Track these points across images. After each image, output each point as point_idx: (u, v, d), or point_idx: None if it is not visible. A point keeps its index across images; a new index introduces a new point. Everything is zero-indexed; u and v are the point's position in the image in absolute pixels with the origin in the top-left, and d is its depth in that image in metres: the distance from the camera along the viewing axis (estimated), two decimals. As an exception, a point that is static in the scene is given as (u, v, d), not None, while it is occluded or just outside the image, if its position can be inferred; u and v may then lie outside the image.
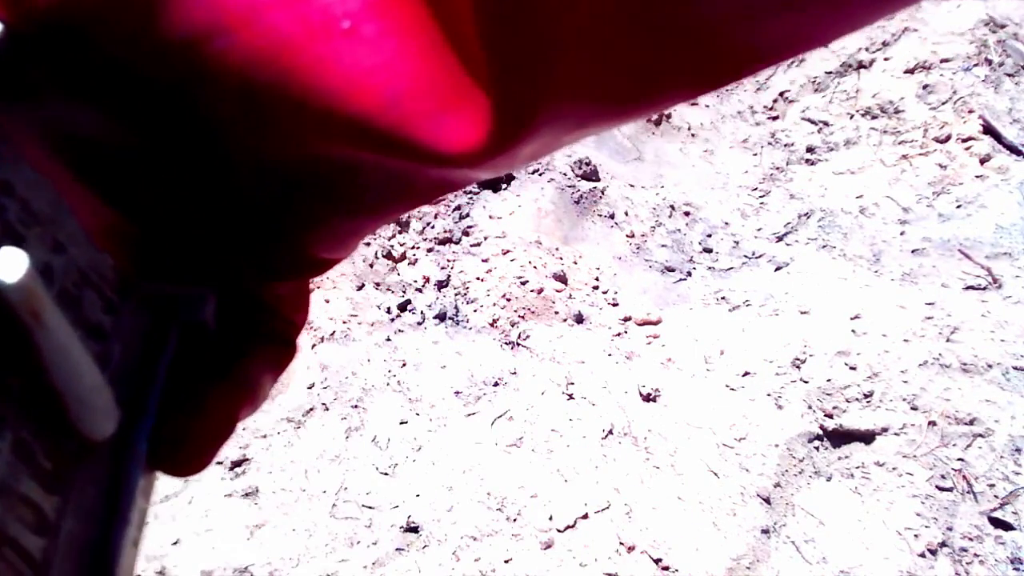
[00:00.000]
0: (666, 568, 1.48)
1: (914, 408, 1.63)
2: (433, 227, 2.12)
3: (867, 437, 1.62)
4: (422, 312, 1.97)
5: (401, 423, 1.73)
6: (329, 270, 0.26)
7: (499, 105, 0.18)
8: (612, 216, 2.14)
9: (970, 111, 2.04)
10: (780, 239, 2.06)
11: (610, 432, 1.69)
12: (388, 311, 1.98)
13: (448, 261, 2.07)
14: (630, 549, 1.50)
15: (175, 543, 1.54)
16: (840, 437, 1.64)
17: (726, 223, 2.14)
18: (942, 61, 2.13)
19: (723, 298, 1.95)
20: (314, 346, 1.97)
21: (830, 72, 2.27)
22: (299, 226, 0.23)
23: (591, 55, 0.18)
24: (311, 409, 1.78)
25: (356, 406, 1.77)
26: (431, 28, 0.18)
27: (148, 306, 0.23)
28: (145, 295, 0.23)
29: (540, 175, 2.19)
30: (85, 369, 0.19)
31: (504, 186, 2.18)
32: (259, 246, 0.23)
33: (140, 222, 0.23)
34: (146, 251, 0.24)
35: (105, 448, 0.21)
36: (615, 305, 1.98)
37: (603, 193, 2.17)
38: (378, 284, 2.04)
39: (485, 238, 2.09)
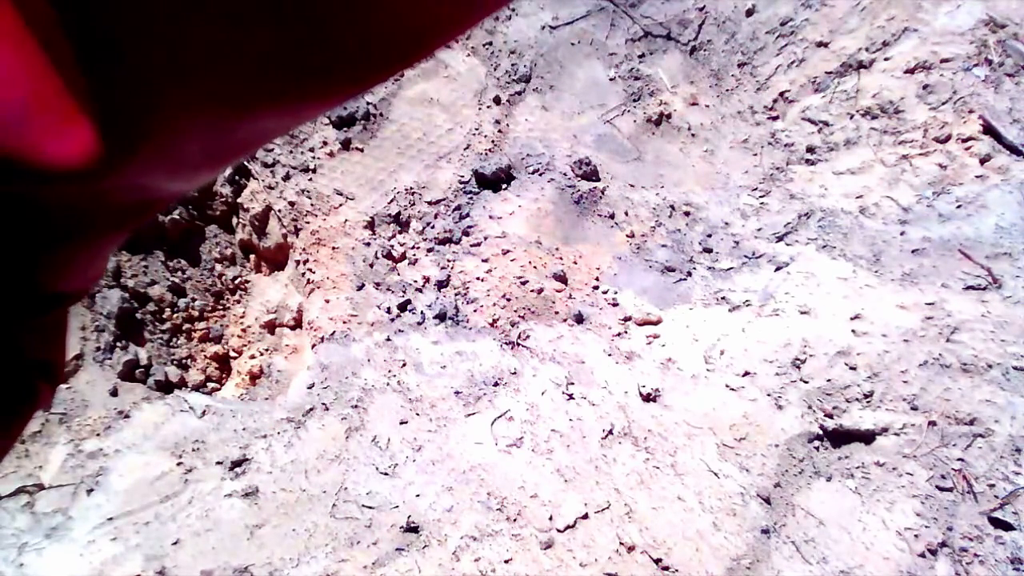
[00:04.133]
0: (666, 568, 1.47)
1: (914, 408, 1.63)
2: (433, 227, 2.12)
3: (867, 437, 1.62)
4: (422, 312, 1.97)
5: (401, 423, 1.73)
6: (73, 303, 0.25)
7: (108, 117, 0.18)
8: (612, 216, 2.14)
9: (970, 111, 2.04)
10: (780, 239, 2.06)
11: (610, 432, 1.69)
12: (388, 311, 1.97)
13: (448, 261, 2.07)
14: (630, 549, 1.50)
15: (175, 543, 1.54)
16: (840, 437, 1.64)
17: (726, 223, 2.14)
18: (942, 61, 2.13)
19: (723, 298, 1.95)
20: (314, 346, 1.97)
21: (830, 72, 2.27)
22: (21, 261, 0.22)
23: (207, 66, 0.19)
24: (311, 409, 1.77)
25: (356, 406, 1.76)
26: (31, 46, 0.18)
27: None
28: None
29: (540, 175, 2.19)
30: None
31: (504, 186, 2.18)
32: None
33: None
34: None
35: None
36: (615, 305, 1.97)
37: (603, 193, 2.17)
38: (378, 284, 2.04)
39: (485, 238, 2.08)
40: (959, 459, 1.55)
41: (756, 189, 2.20)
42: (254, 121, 0.21)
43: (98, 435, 1.74)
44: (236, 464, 1.66)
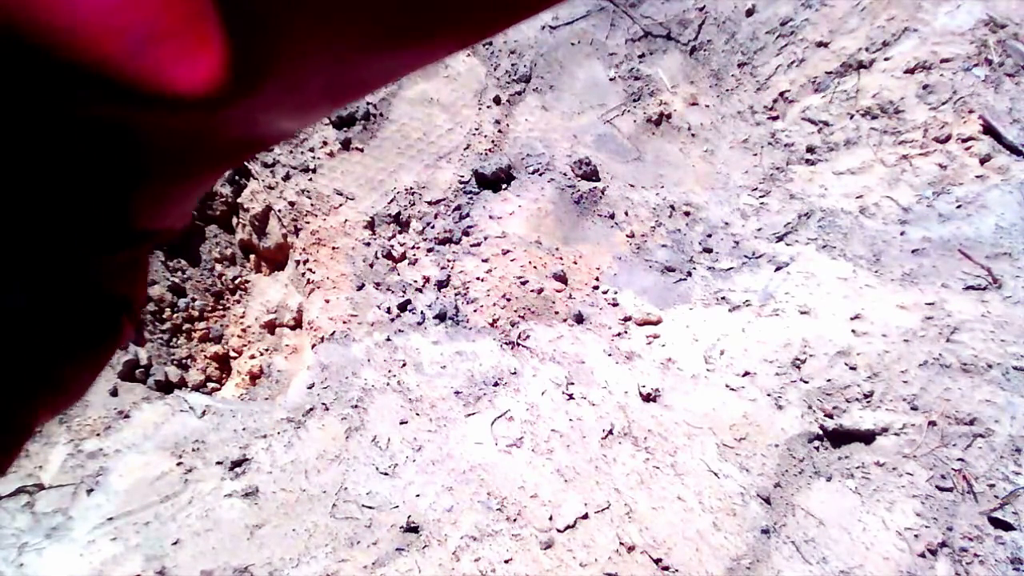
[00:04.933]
0: (666, 568, 1.47)
1: (914, 408, 1.63)
2: (433, 227, 2.12)
3: (867, 437, 1.62)
4: (422, 312, 1.97)
5: (401, 423, 1.73)
6: (161, 241, 0.25)
7: (236, 44, 0.18)
8: (612, 216, 2.14)
9: (970, 111, 2.04)
10: (780, 239, 2.06)
11: (610, 432, 1.69)
12: (388, 311, 1.97)
13: (448, 261, 2.07)
14: (630, 549, 1.50)
15: (175, 543, 1.54)
16: (840, 437, 1.64)
17: (726, 223, 2.14)
18: (942, 61, 2.13)
19: (723, 298, 1.95)
20: (314, 346, 1.97)
21: (830, 72, 2.27)
22: (114, 195, 0.22)
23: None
24: (311, 409, 1.77)
25: (356, 406, 1.76)
26: None
27: None
28: None
29: (540, 175, 2.19)
30: None
31: (504, 186, 2.18)
32: (78, 219, 0.22)
33: None
34: None
35: None
36: (615, 305, 1.97)
37: (603, 193, 2.17)
38: (378, 284, 2.04)
39: (485, 238, 2.08)
40: (959, 459, 1.55)
41: (756, 189, 2.20)
42: (382, 59, 0.21)
43: (98, 435, 1.74)
44: (236, 464, 1.67)
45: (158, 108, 0.19)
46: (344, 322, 1.97)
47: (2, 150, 0.20)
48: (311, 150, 2.21)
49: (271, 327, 2.23)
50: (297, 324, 2.18)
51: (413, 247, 2.11)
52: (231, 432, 1.74)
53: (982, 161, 1.99)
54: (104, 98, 0.18)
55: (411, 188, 2.16)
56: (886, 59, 2.21)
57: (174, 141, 0.21)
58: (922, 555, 1.46)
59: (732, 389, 1.74)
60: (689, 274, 2.03)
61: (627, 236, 2.12)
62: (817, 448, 1.64)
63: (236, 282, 2.28)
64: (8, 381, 0.21)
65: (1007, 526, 1.47)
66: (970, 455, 1.55)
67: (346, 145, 2.21)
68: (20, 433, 0.22)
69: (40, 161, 0.20)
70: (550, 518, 1.54)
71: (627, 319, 1.94)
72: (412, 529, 1.53)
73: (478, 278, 2.02)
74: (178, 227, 0.25)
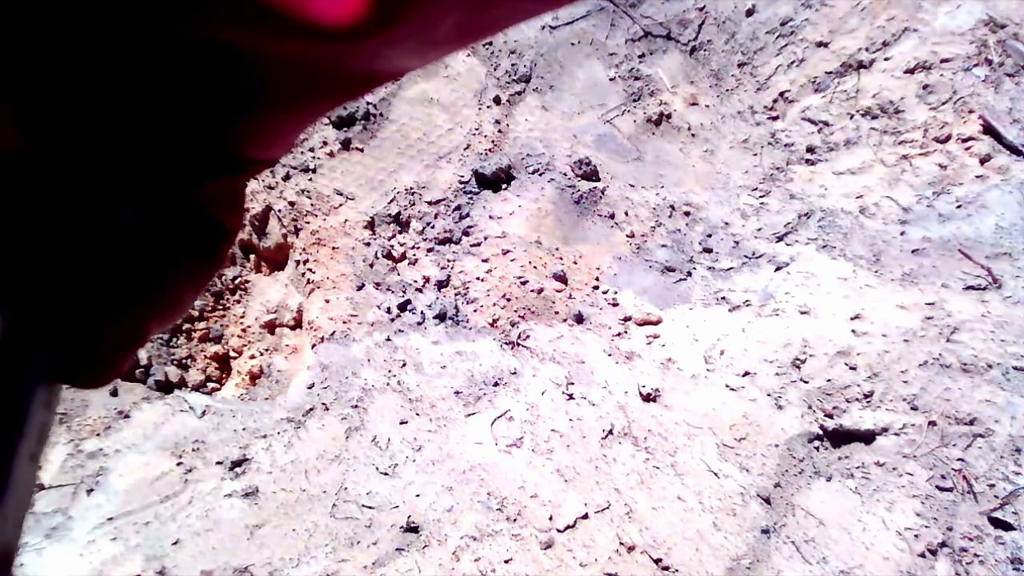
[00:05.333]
0: (666, 568, 1.48)
1: (914, 408, 1.63)
2: (433, 227, 2.12)
3: (867, 437, 1.62)
4: (422, 312, 1.97)
5: (401, 423, 1.73)
6: (260, 171, 0.25)
7: None
8: (612, 216, 2.14)
9: (970, 111, 2.04)
10: (780, 239, 2.06)
11: (610, 432, 1.68)
12: (388, 311, 1.98)
13: (448, 261, 2.07)
14: (630, 549, 1.50)
15: (175, 543, 1.54)
16: (840, 437, 1.64)
17: (726, 223, 2.14)
18: (942, 61, 2.13)
19: (723, 298, 1.95)
20: (314, 346, 1.97)
21: (830, 72, 2.27)
22: (221, 121, 0.22)
23: None
24: (311, 409, 1.77)
25: (356, 406, 1.77)
26: None
27: (53, 205, 0.21)
28: (50, 192, 0.21)
29: (540, 175, 2.19)
30: None
31: (504, 186, 2.18)
32: (185, 143, 0.22)
33: (46, 117, 0.21)
34: (54, 148, 0.21)
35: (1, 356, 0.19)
36: (615, 305, 1.97)
37: (603, 193, 2.17)
38: (378, 284, 2.04)
39: (485, 238, 2.08)
40: (959, 459, 1.55)
41: (756, 189, 2.20)
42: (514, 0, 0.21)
43: (98, 435, 1.74)
44: (236, 464, 1.67)
45: (295, 37, 0.19)
46: (344, 322, 1.97)
47: (120, 70, 0.20)
48: (311, 150, 2.21)
49: (271, 327, 2.23)
50: (297, 324, 2.18)
51: (413, 247, 2.11)
52: (231, 432, 1.74)
53: (982, 161, 1.99)
54: (240, 21, 0.19)
55: (411, 188, 2.16)
56: (886, 59, 2.21)
57: (295, 71, 0.21)
58: (922, 555, 1.46)
59: (732, 389, 1.74)
60: (689, 274, 2.03)
61: (627, 236, 2.12)
62: (817, 448, 1.64)
63: (236, 282, 2.28)
64: (118, 289, 0.22)
65: (1007, 526, 1.47)
66: (970, 455, 1.55)
67: (346, 145, 2.21)
68: (129, 341, 0.23)
69: (153, 82, 0.21)
70: (550, 518, 1.54)
71: (627, 319, 1.94)
72: (412, 529, 1.53)
73: (478, 278, 2.02)
74: (277, 158, 0.25)
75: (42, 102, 0.20)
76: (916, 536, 1.48)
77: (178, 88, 0.21)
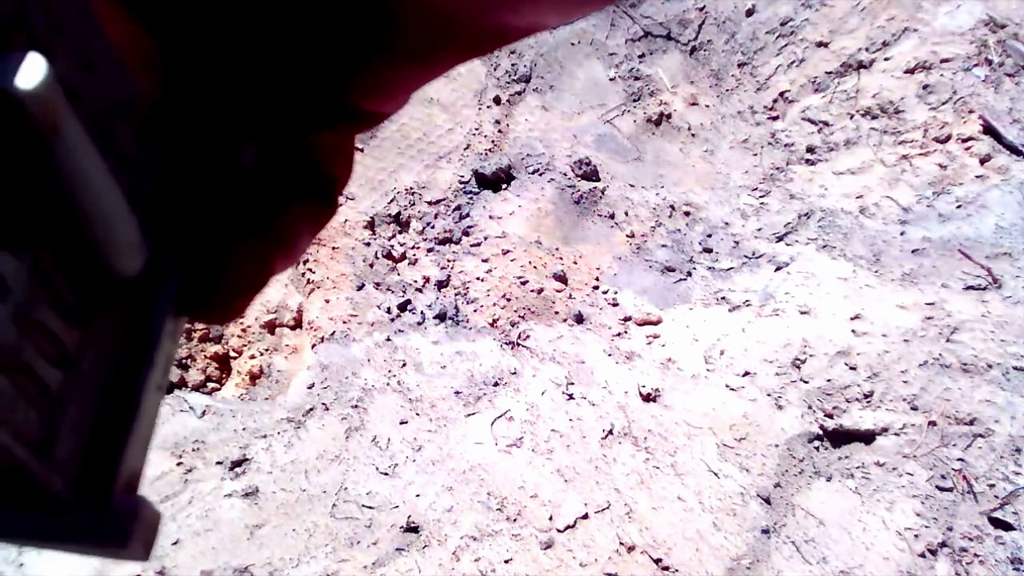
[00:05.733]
0: (666, 568, 1.48)
1: (914, 408, 1.63)
2: (433, 227, 2.12)
3: (867, 437, 1.62)
4: (422, 312, 1.97)
5: (401, 423, 1.73)
6: (374, 126, 0.25)
7: None
8: (612, 216, 2.14)
9: (970, 111, 2.04)
10: (780, 239, 2.06)
11: (610, 432, 1.69)
12: (388, 311, 1.98)
13: (448, 261, 2.07)
14: (630, 549, 1.50)
15: (175, 543, 1.54)
16: (840, 437, 1.64)
17: (726, 223, 2.14)
18: (942, 61, 2.13)
19: (723, 298, 1.95)
20: (314, 346, 1.97)
21: (830, 72, 2.27)
22: (343, 72, 0.22)
23: None
24: (311, 409, 1.78)
25: (356, 406, 1.77)
26: None
27: (182, 145, 0.22)
28: (180, 133, 0.22)
29: (540, 175, 2.19)
30: (108, 195, 0.18)
31: (504, 186, 2.18)
32: (303, 92, 0.23)
33: (181, 56, 0.21)
34: (185, 89, 0.22)
35: (132, 288, 0.20)
36: (615, 305, 1.98)
37: (603, 193, 2.17)
38: (378, 284, 2.04)
39: (485, 238, 2.08)
40: (959, 459, 1.55)
41: (756, 189, 2.20)
42: None
43: (98, 435, 1.74)
44: (236, 464, 1.67)
45: None
46: (344, 322, 1.97)
47: (261, 13, 0.20)
48: (311, 150, 2.21)
49: (271, 327, 2.23)
50: (297, 324, 2.18)
51: (413, 247, 2.11)
52: (231, 432, 1.74)
53: (982, 161, 1.99)
54: None
55: (411, 188, 2.16)
56: (886, 59, 2.21)
57: (431, 23, 0.21)
58: (922, 555, 1.46)
59: (732, 389, 1.74)
60: (689, 274, 2.03)
61: (627, 236, 2.12)
62: (817, 448, 1.64)
63: (236, 282, 2.28)
64: (241, 228, 0.23)
65: (1007, 526, 1.47)
66: (970, 455, 1.55)
67: (346, 145, 2.21)
68: (253, 279, 0.24)
69: (288, 28, 0.21)
70: (550, 518, 1.54)
71: (627, 319, 1.94)
72: (412, 529, 1.53)
73: (478, 278, 2.02)
74: (390, 113, 0.25)
75: (185, 41, 0.21)
76: (916, 536, 1.48)
77: (310, 35, 0.21)
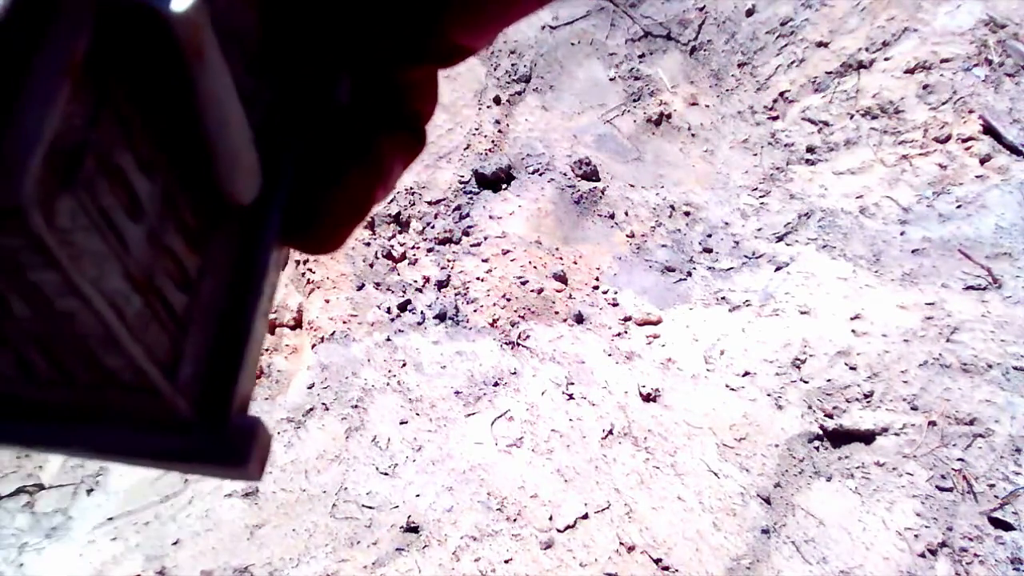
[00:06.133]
0: (666, 568, 1.48)
1: (914, 408, 1.63)
2: (433, 227, 2.12)
3: (867, 437, 1.62)
4: (422, 312, 1.97)
5: (401, 423, 1.73)
6: (463, 60, 0.26)
7: None
8: (612, 216, 2.14)
9: (970, 111, 2.04)
10: (780, 239, 2.06)
11: (610, 432, 1.69)
12: (388, 311, 1.98)
13: (448, 261, 2.07)
14: (630, 549, 1.50)
15: (175, 543, 1.54)
16: (840, 437, 1.64)
17: (726, 223, 2.14)
18: (942, 61, 2.13)
19: (723, 298, 1.95)
20: (314, 346, 1.97)
21: (830, 72, 2.27)
22: (440, 6, 0.23)
23: None
24: (311, 409, 1.78)
25: (356, 406, 1.77)
26: None
27: (283, 77, 0.23)
28: (281, 64, 0.23)
29: (540, 175, 2.19)
30: (237, 122, 0.19)
31: (504, 186, 2.18)
32: (397, 26, 0.23)
33: None
34: (285, 20, 0.23)
35: (243, 214, 0.21)
36: (615, 305, 1.98)
37: (603, 193, 2.17)
38: (378, 284, 2.04)
39: (485, 238, 2.08)
40: (959, 459, 1.55)
41: (756, 189, 2.20)
42: None
43: (98, 435, 1.74)
44: (236, 464, 1.67)
45: None
46: (344, 322, 1.97)
47: None
48: (311, 150, 2.21)
49: (271, 327, 2.23)
50: (297, 324, 2.18)
51: (413, 247, 2.11)
52: (231, 432, 1.74)
53: (982, 161, 1.99)
54: None
55: (411, 188, 2.16)
56: (886, 59, 2.21)
57: None
58: (922, 555, 1.46)
59: (732, 389, 1.74)
60: (689, 274, 2.03)
61: (627, 236, 2.12)
62: (817, 448, 1.64)
63: (236, 282, 2.28)
64: (339, 158, 0.24)
65: (1007, 526, 1.47)
66: (970, 455, 1.55)
67: (346, 145, 2.21)
68: (353, 207, 0.25)
69: None
70: (550, 518, 1.54)
71: (627, 319, 1.94)
72: (412, 529, 1.53)
73: (478, 278, 2.02)
74: (479, 49, 0.26)
75: None
76: (916, 536, 1.48)
77: None
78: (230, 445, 0.19)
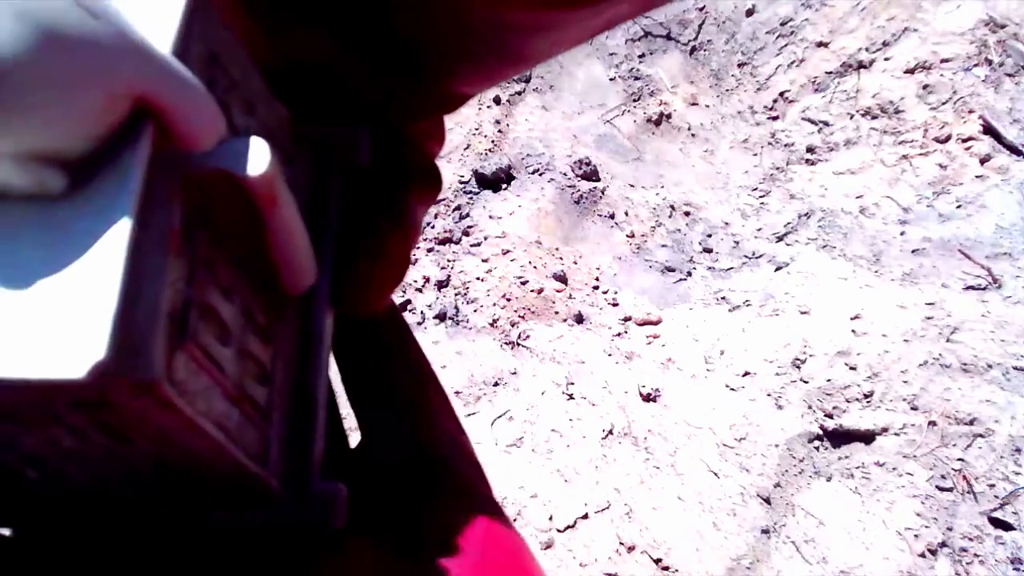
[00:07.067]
0: (666, 568, 1.48)
1: (914, 408, 1.63)
2: (433, 227, 2.12)
3: (867, 437, 1.62)
4: (422, 312, 1.97)
5: (401, 423, 1.73)
6: (463, 104, 0.27)
7: None
8: (612, 216, 2.14)
9: (970, 111, 2.04)
10: (780, 239, 2.06)
11: (610, 432, 1.69)
12: (388, 311, 1.97)
13: (448, 261, 2.07)
14: (630, 549, 1.50)
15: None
16: (840, 437, 1.64)
17: (726, 223, 2.14)
18: (942, 61, 2.13)
19: (723, 298, 1.95)
20: (314, 346, 1.97)
21: (830, 72, 2.27)
22: (446, 71, 0.24)
23: None
24: (311, 409, 1.78)
25: (356, 406, 1.76)
26: None
27: (312, 153, 0.25)
28: (310, 140, 0.24)
29: (540, 175, 2.19)
30: (302, 237, 0.20)
31: (504, 186, 2.18)
32: (408, 86, 0.25)
33: (303, 61, 0.23)
34: (305, 93, 0.24)
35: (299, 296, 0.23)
36: (615, 305, 1.98)
37: (603, 193, 2.17)
38: (378, 284, 2.04)
39: (485, 238, 2.08)
40: (959, 459, 1.55)
41: (756, 189, 2.20)
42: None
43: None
44: (236, 464, 1.67)
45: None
46: (344, 322, 1.98)
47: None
48: (311, 150, 2.21)
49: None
50: (297, 324, 2.18)
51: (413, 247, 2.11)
52: (231, 432, 1.75)
53: (982, 161, 1.99)
54: None
55: (411, 188, 2.16)
56: (886, 59, 2.21)
57: (538, 34, 0.23)
58: (922, 555, 1.46)
59: (732, 389, 1.74)
60: (689, 274, 2.03)
61: (627, 236, 2.12)
62: (817, 448, 1.64)
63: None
64: (370, 215, 0.25)
65: (1007, 526, 1.47)
66: (970, 455, 1.55)
67: (346, 145, 2.21)
68: (390, 264, 0.26)
69: (398, 33, 0.23)
70: (550, 518, 1.54)
71: (627, 319, 1.94)
72: (412, 529, 1.53)
73: (478, 278, 2.02)
74: (473, 94, 0.27)
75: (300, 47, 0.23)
76: (916, 536, 1.48)
77: (415, 41, 0.24)
78: (317, 509, 0.21)
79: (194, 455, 0.17)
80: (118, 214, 0.14)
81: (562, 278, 2.02)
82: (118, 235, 0.14)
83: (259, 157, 0.17)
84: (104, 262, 0.14)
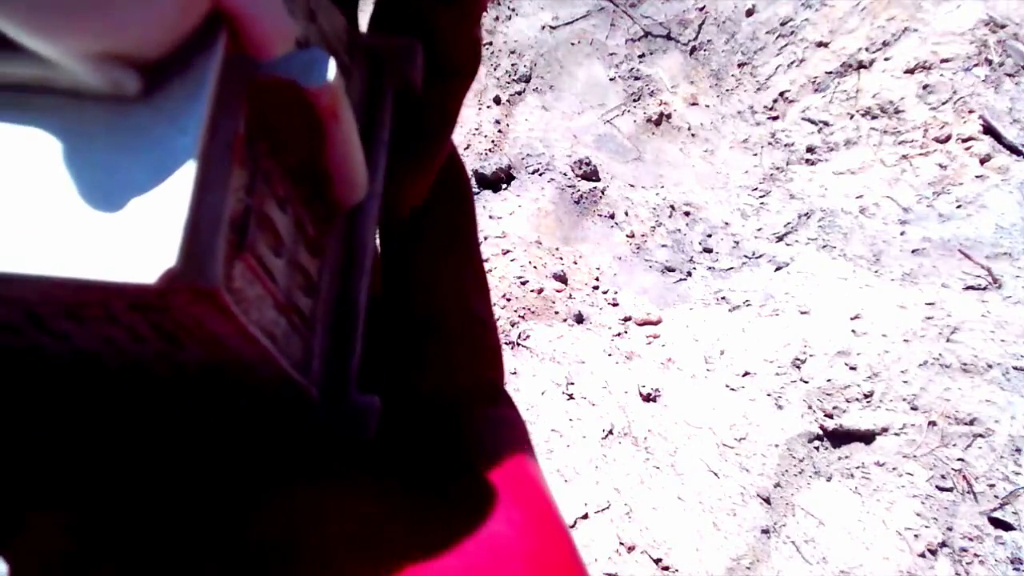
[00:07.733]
0: (666, 568, 1.48)
1: (914, 408, 1.63)
2: (433, 227, 2.12)
3: (867, 437, 1.62)
4: (422, 312, 1.97)
5: (401, 423, 1.73)
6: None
7: None
8: (612, 216, 2.14)
9: (970, 111, 2.04)
10: (780, 239, 2.06)
11: (610, 432, 1.69)
12: (388, 311, 1.97)
13: (448, 261, 2.07)
14: (630, 549, 1.50)
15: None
16: (840, 437, 1.64)
17: (726, 223, 2.14)
18: (942, 61, 2.13)
19: (723, 298, 1.95)
20: (314, 346, 1.97)
21: (830, 72, 2.27)
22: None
23: None
24: (311, 409, 1.78)
25: (356, 406, 1.77)
26: None
27: (366, 64, 0.25)
28: (364, 51, 0.25)
29: (540, 175, 2.19)
30: (358, 153, 0.21)
31: (504, 186, 2.18)
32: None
33: None
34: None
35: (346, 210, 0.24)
36: (615, 305, 1.97)
37: (603, 193, 2.17)
38: (378, 284, 2.04)
39: (485, 238, 2.08)
40: (959, 459, 1.55)
41: (756, 189, 2.20)
42: None
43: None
44: (236, 464, 1.67)
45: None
46: (344, 322, 1.98)
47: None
48: (311, 150, 2.21)
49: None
50: (297, 324, 2.18)
51: (413, 247, 2.11)
52: (231, 432, 1.75)
53: (982, 161, 1.99)
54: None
55: (411, 188, 2.16)
56: (886, 59, 2.21)
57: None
58: (922, 555, 1.46)
59: (732, 389, 1.74)
60: (689, 274, 2.03)
61: (627, 236, 2.12)
62: (817, 448, 1.64)
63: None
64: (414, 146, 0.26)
65: (1007, 526, 1.47)
66: (970, 455, 1.55)
67: (346, 145, 2.21)
68: (427, 163, 0.27)
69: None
70: (550, 518, 1.54)
71: (627, 319, 1.94)
72: (412, 529, 1.53)
73: (478, 278, 2.02)
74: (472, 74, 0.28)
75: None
76: (916, 536, 1.48)
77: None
78: (353, 419, 0.21)
79: (241, 361, 0.18)
80: (192, 121, 0.14)
81: (562, 278, 2.02)
82: (190, 143, 0.14)
83: (325, 68, 0.17)
84: (177, 169, 0.14)
